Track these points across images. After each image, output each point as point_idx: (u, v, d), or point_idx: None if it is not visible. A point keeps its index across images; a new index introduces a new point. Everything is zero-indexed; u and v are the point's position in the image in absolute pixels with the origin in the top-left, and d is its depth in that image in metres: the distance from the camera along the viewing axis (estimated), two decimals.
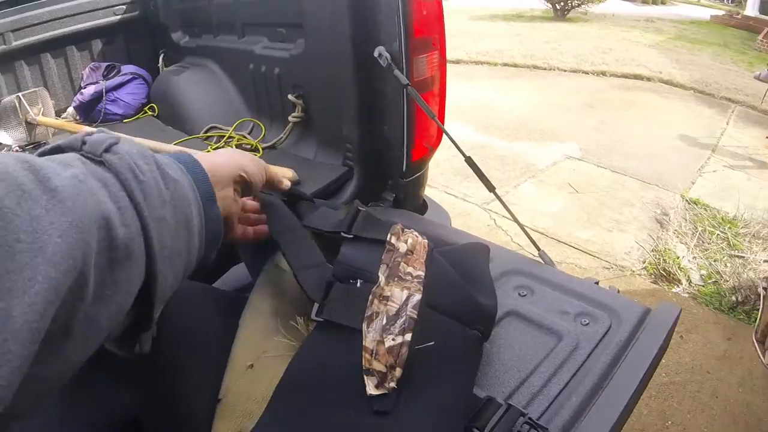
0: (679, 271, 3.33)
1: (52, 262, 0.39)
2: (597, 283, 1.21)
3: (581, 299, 1.15)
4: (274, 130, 2.03)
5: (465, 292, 0.92)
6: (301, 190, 1.01)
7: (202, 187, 0.65)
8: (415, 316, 0.78)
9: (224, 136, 2.04)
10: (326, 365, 0.77)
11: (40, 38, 2.31)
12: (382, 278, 0.83)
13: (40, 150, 0.54)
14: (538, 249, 1.40)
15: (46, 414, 0.76)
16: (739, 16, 12.54)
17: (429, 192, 1.87)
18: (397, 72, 1.43)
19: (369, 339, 0.76)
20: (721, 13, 13.29)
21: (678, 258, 3.48)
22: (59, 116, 2.45)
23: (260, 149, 1.94)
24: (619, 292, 1.19)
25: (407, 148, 1.57)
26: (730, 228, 3.83)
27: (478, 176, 1.46)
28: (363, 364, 0.74)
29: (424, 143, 1.62)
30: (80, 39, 2.48)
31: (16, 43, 2.24)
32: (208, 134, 2.08)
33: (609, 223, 3.89)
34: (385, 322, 0.77)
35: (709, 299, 3.15)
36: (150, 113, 2.44)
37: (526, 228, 1.48)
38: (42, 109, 2.33)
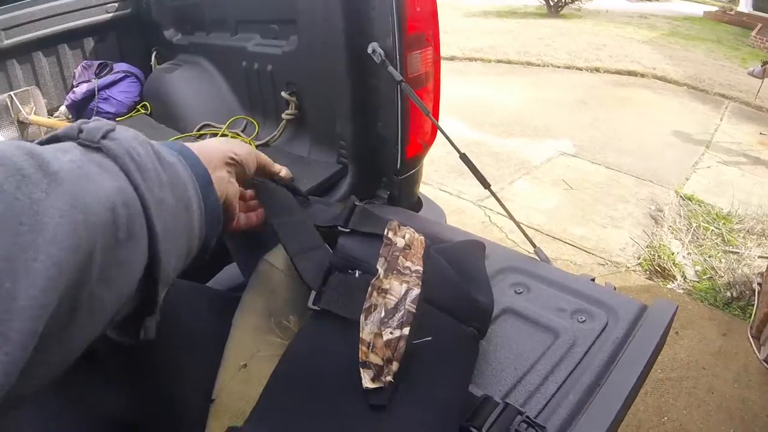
0: (673, 267, 3.33)
1: (54, 241, 0.39)
2: (593, 279, 1.21)
3: (577, 296, 1.14)
4: (267, 128, 2.02)
5: (462, 289, 0.92)
6: (295, 185, 0.99)
7: (197, 170, 0.65)
8: (414, 310, 0.78)
9: (217, 133, 2.03)
10: (321, 357, 0.76)
11: (32, 36, 2.29)
12: (381, 271, 0.82)
13: (37, 141, 0.53)
14: (534, 246, 1.40)
15: (41, 415, 0.75)
16: (733, 12, 12.55)
17: (423, 189, 1.86)
18: (390, 68, 1.42)
19: (366, 331, 0.75)
20: (714, 9, 13.31)
21: (673, 254, 3.48)
22: (51, 115, 2.44)
23: (253, 146, 1.93)
24: (615, 289, 1.19)
25: (401, 145, 1.56)
26: (724, 224, 3.83)
27: (473, 173, 1.45)
28: (359, 356, 0.73)
29: (419, 140, 1.61)
30: (72, 37, 2.47)
31: (7, 42, 2.22)
32: (201, 132, 2.07)
33: (603, 219, 3.89)
34: (383, 314, 0.76)
35: (704, 295, 3.15)
36: (143, 111, 2.43)
37: (521, 225, 1.48)
38: (34, 108, 2.32)
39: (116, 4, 2.51)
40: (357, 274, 0.82)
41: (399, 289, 0.79)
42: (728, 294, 3.12)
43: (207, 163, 0.68)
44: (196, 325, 0.84)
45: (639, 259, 3.46)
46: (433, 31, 1.53)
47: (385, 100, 1.52)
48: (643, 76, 7.60)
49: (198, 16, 2.25)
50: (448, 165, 4.27)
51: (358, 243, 0.88)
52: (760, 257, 3.47)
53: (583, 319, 1.08)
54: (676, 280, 3.27)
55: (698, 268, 3.40)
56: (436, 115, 1.62)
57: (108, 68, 2.46)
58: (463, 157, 1.46)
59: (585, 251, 3.52)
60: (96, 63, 2.47)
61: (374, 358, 0.73)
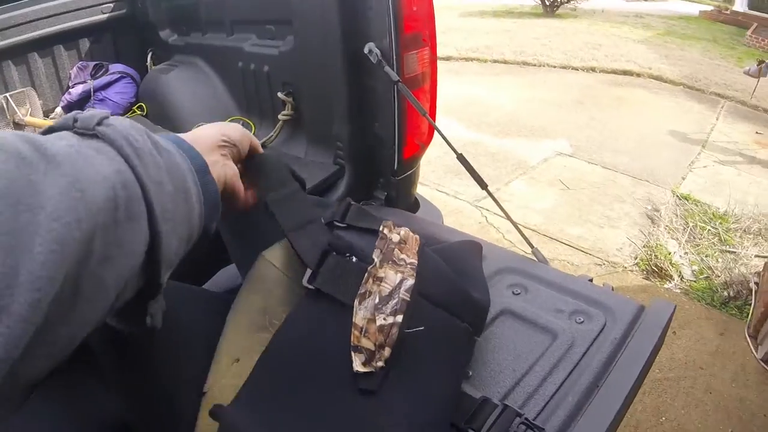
0: (670, 267, 3.34)
1: (53, 215, 0.40)
2: (591, 280, 1.21)
3: (575, 297, 1.14)
4: (263, 129, 2.02)
5: (456, 285, 0.92)
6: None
7: (193, 159, 0.65)
8: (408, 299, 0.78)
9: None
10: (312, 339, 0.76)
11: (27, 37, 2.28)
12: (376, 260, 0.82)
13: (40, 131, 0.54)
14: (531, 246, 1.39)
15: (38, 419, 0.74)
16: (728, 12, 12.57)
17: (420, 190, 1.86)
18: (387, 68, 1.42)
19: (359, 316, 0.75)
20: (710, 8, 13.32)
21: (669, 254, 3.48)
22: (47, 116, 2.43)
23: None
24: (613, 289, 1.18)
25: (398, 145, 1.56)
26: (721, 223, 3.84)
27: (470, 173, 1.45)
28: (351, 340, 0.73)
29: (416, 140, 1.60)
30: (68, 38, 2.46)
31: (2, 43, 2.21)
32: None
33: (600, 219, 3.89)
34: (377, 301, 0.76)
35: (701, 295, 3.15)
36: (139, 113, 2.42)
37: (518, 225, 1.48)
38: (30, 109, 2.31)
39: (112, 5, 2.50)
40: (354, 260, 0.82)
41: (394, 278, 0.80)
42: (725, 293, 3.13)
43: (201, 149, 0.69)
44: (192, 327, 0.84)
45: (636, 259, 3.46)
46: (430, 31, 1.53)
47: (381, 100, 1.52)
48: (639, 75, 7.60)
49: (194, 16, 2.25)
50: (445, 165, 4.27)
51: (355, 236, 0.88)
52: (756, 256, 3.48)
53: (582, 319, 1.08)
54: (673, 279, 3.27)
55: (695, 267, 3.41)
56: (433, 115, 1.61)
57: (104, 69, 2.45)
58: (461, 158, 1.45)
59: (582, 251, 3.52)
60: (92, 64, 2.46)
61: (366, 343, 0.73)
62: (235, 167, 0.78)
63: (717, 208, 4.05)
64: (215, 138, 0.75)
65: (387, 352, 0.73)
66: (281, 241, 0.87)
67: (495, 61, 8.25)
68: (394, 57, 1.43)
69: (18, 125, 2.23)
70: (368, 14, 1.43)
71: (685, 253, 3.54)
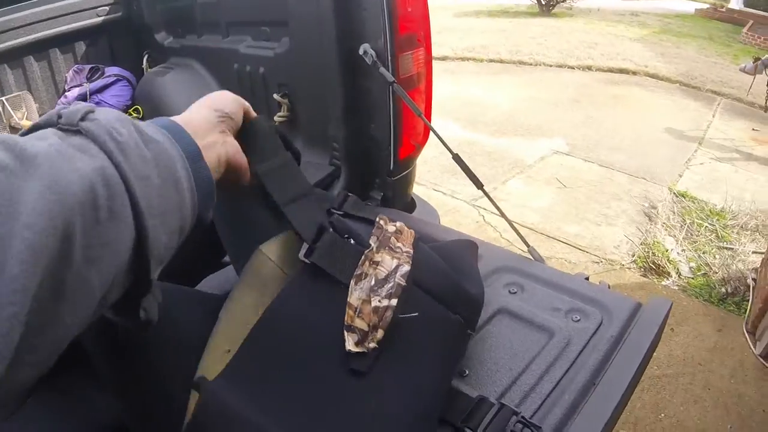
0: (668, 264, 3.34)
1: (27, 224, 0.39)
2: (587, 278, 1.21)
3: (572, 295, 1.14)
4: None
5: (450, 277, 0.92)
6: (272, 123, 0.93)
7: (185, 145, 0.63)
8: (404, 284, 0.78)
9: None
10: (304, 316, 0.75)
11: (23, 41, 2.28)
12: (373, 245, 0.82)
13: (20, 133, 0.53)
14: (527, 245, 1.40)
15: (33, 421, 0.74)
16: (724, 9, 12.60)
17: (417, 189, 1.86)
18: (382, 69, 1.42)
19: (354, 296, 0.75)
20: (705, 6, 13.34)
21: (667, 251, 3.49)
22: None
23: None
24: (609, 287, 1.19)
25: (394, 146, 1.56)
26: (718, 220, 3.84)
27: (465, 173, 1.45)
28: (345, 319, 0.73)
29: (412, 141, 1.61)
30: (63, 41, 2.46)
31: None
32: None
33: (597, 217, 3.90)
34: (373, 283, 0.76)
35: (698, 291, 3.16)
36: (135, 115, 2.42)
37: (515, 224, 1.48)
38: (26, 113, 2.31)
39: (107, 8, 2.50)
40: (351, 242, 0.82)
41: (390, 263, 0.80)
42: (723, 290, 3.13)
43: (195, 133, 0.67)
44: (187, 327, 0.84)
45: (633, 256, 3.47)
46: (425, 31, 1.53)
47: (377, 101, 1.52)
48: (635, 73, 7.61)
49: (189, 18, 2.25)
50: (441, 165, 4.27)
51: (352, 223, 0.88)
52: (754, 253, 3.48)
53: (578, 318, 1.08)
54: (671, 276, 3.28)
55: (692, 264, 3.41)
56: (428, 115, 1.61)
57: (99, 72, 2.45)
58: (456, 158, 1.45)
59: (579, 249, 3.52)
60: (87, 67, 2.46)
61: (360, 323, 0.73)
62: (236, 143, 0.77)
63: (714, 205, 4.06)
64: (210, 117, 0.74)
65: (380, 333, 0.73)
66: (279, 236, 0.86)
67: (491, 61, 8.25)
68: (389, 58, 1.44)
69: (14, 129, 2.23)
70: (363, 15, 1.43)
71: (683, 250, 3.55)
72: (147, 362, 0.76)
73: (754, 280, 3.07)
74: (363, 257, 0.79)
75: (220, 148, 0.72)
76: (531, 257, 1.33)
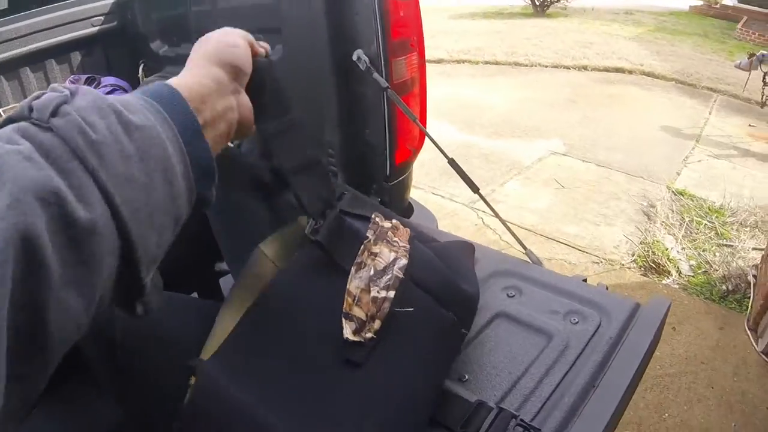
0: (668, 263, 3.34)
1: None
2: (585, 280, 1.21)
3: (570, 297, 1.14)
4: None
5: (446, 274, 0.92)
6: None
7: (181, 119, 0.56)
8: (402, 276, 0.78)
9: None
10: (301, 300, 0.75)
11: (18, 52, 2.28)
12: (371, 237, 0.82)
13: None
14: (525, 248, 1.40)
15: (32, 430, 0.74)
16: (718, 6, 12.60)
17: (415, 193, 1.86)
18: (376, 75, 1.42)
19: (354, 284, 0.75)
20: (699, 3, 13.33)
21: (667, 249, 3.49)
22: None
23: None
24: (607, 288, 1.18)
25: (390, 151, 1.56)
26: (717, 217, 3.84)
27: (461, 177, 1.45)
28: (344, 307, 0.73)
29: (407, 145, 1.61)
30: (59, 52, 2.45)
31: None
32: None
33: (596, 217, 3.90)
34: (372, 273, 0.76)
35: (699, 289, 3.16)
36: None
37: (512, 227, 1.48)
38: None
39: (102, 18, 2.50)
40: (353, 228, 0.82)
41: (388, 255, 0.80)
42: (724, 287, 3.13)
43: (203, 102, 0.61)
44: (185, 337, 0.83)
45: (633, 255, 3.46)
46: (418, 36, 1.53)
47: (372, 106, 1.52)
48: (630, 72, 7.62)
49: (184, 27, 2.25)
50: (438, 168, 4.25)
51: (349, 218, 0.87)
52: (754, 249, 3.48)
53: (576, 320, 1.07)
54: (671, 275, 3.27)
55: (693, 262, 3.41)
56: (423, 120, 1.62)
57: (96, 82, 2.45)
58: (452, 163, 1.45)
59: (579, 250, 3.52)
60: (84, 77, 2.46)
61: (358, 312, 0.73)
62: (248, 100, 0.71)
63: (713, 203, 4.06)
64: (221, 77, 0.66)
65: (377, 324, 0.73)
66: (277, 233, 0.85)
67: (486, 63, 8.25)
68: (383, 63, 1.44)
69: None
70: (355, 21, 1.44)
71: (683, 248, 3.55)
72: (145, 368, 0.76)
73: (754, 276, 3.07)
74: (362, 246, 0.79)
75: (231, 115, 0.66)
76: (529, 260, 1.32)
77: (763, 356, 2.62)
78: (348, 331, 0.72)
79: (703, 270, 3.32)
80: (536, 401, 0.92)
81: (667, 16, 12.25)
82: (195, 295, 1.38)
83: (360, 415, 0.70)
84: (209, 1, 2.08)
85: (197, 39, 0.70)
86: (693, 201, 4.07)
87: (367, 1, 1.40)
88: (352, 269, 0.76)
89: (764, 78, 5.55)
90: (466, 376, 0.97)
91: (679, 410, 2.37)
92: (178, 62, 2.32)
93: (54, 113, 0.45)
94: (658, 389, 2.47)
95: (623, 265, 3.38)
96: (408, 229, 0.92)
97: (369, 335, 0.72)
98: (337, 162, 1.63)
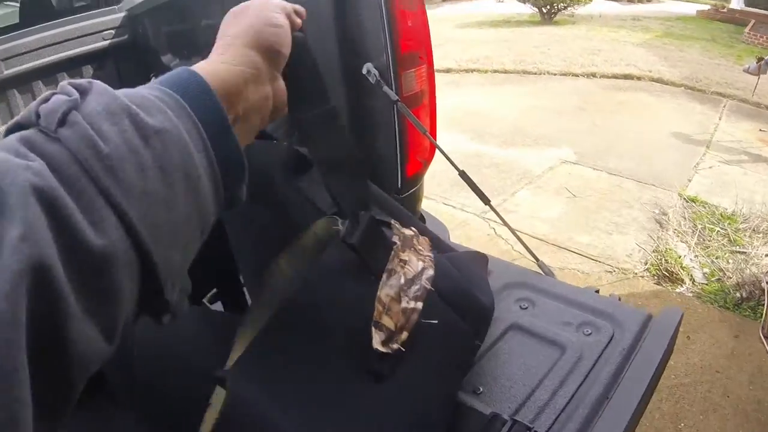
0: (681, 271, 3.32)
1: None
2: (597, 291, 1.21)
3: (582, 309, 1.13)
4: None
5: (463, 284, 0.91)
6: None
7: (208, 115, 0.49)
8: (429, 287, 0.77)
9: None
10: (328, 305, 0.74)
11: (31, 66, 2.30)
12: (398, 243, 0.80)
13: (6, 126, 0.43)
14: (537, 259, 1.39)
15: None
16: (725, 10, 12.57)
17: (426, 204, 1.87)
18: (386, 88, 1.42)
19: (384, 292, 0.72)
20: (706, 7, 13.32)
21: (679, 257, 3.47)
22: None
23: None
24: (620, 299, 1.18)
25: (401, 163, 1.57)
26: (729, 224, 3.82)
27: (472, 189, 1.45)
28: (374, 315, 0.71)
29: (418, 158, 1.61)
30: (71, 65, 2.48)
31: (7, 72, 2.24)
32: None
33: (608, 225, 3.88)
34: (402, 282, 0.75)
35: (713, 297, 3.14)
36: None
37: (524, 236, 1.48)
38: None
39: (113, 32, 2.53)
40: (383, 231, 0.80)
41: (417, 264, 0.79)
42: (738, 295, 3.11)
43: (237, 95, 0.55)
44: (202, 350, 0.82)
45: (646, 264, 3.45)
46: (426, 48, 1.54)
47: (382, 119, 1.53)
48: (639, 79, 7.61)
49: (193, 40, 2.26)
50: (450, 178, 4.22)
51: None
52: (767, 256, 3.45)
53: (589, 331, 1.07)
54: (685, 283, 3.26)
55: (706, 270, 3.39)
56: (433, 132, 1.62)
57: None
58: (462, 174, 1.45)
59: (592, 259, 3.51)
60: None
61: (387, 322, 0.71)
62: (284, 85, 0.63)
63: (725, 209, 4.04)
64: (259, 63, 0.59)
65: (405, 336, 0.72)
66: (294, 245, 0.82)
67: (495, 71, 8.27)
68: (392, 76, 1.45)
69: None
70: (364, 33, 1.44)
71: (696, 256, 3.53)
72: (161, 382, 0.76)
73: None
74: (392, 253, 0.77)
75: (266, 104, 0.59)
76: (541, 271, 1.32)
77: None
78: (377, 341, 0.69)
79: (717, 278, 3.30)
80: (551, 413, 0.91)
81: (674, 21, 12.24)
82: (220, 303, 1.38)
83: (379, 429, 0.70)
84: (219, 15, 2.10)
85: (207, 52, 0.62)
86: (705, 208, 4.06)
87: (375, 12, 1.41)
88: (384, 276, 0.74)
89: None
90: (481, 389, 0.97)
91: (695, 420, 2.35)
92: None
93: (62, 122, 0.40)
94: (673, 399, 2.46)
95: (636, 273, 3.37)
96: (426, 238, 0.92)
97: (396, 346, 0.71)
98: None
